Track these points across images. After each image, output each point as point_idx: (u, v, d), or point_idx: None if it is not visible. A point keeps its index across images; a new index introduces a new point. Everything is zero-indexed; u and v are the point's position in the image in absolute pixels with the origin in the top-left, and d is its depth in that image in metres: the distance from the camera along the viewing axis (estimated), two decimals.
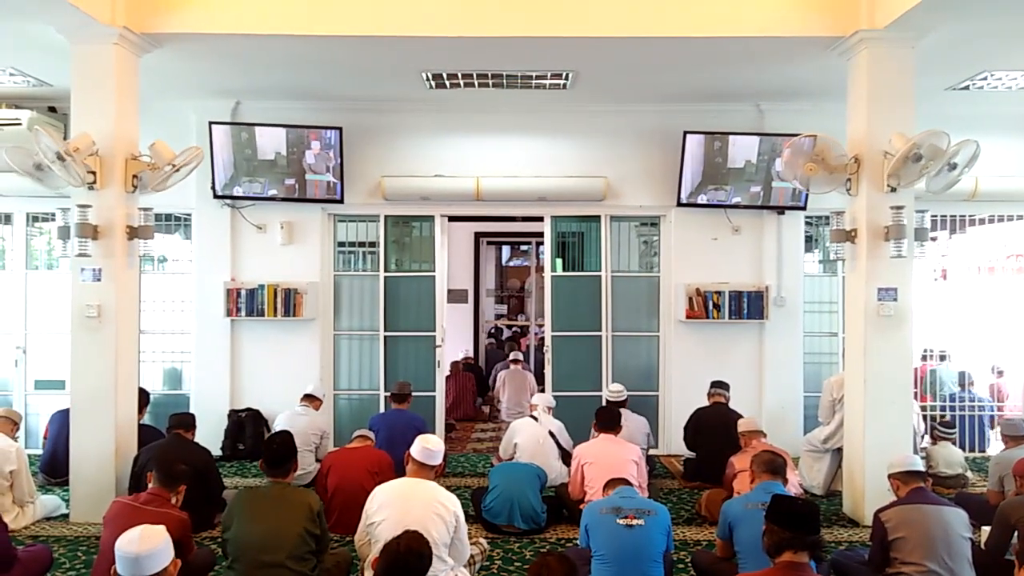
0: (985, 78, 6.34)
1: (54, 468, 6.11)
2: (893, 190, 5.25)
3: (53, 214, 6.77)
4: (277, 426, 6.11)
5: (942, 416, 7.43)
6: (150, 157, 5.34)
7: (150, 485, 4.01)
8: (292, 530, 3.73)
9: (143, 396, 5.90)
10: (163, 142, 5.37)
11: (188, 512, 3.97)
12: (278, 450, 4.08)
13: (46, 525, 5.32)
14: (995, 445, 7.25)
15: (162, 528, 2.96)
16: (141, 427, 5.70)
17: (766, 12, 5.41)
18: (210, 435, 6.74)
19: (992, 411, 7.81)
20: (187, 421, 5.40)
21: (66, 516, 5.43)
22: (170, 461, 4.12)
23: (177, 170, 5.39)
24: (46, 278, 7.65)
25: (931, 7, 4.71)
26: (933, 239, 7.68)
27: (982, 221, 7.88)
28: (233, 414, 7.28)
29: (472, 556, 4.22)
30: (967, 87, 6.55)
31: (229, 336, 7.38)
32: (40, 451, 6.74)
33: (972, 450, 7.47)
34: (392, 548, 3.02)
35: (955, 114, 6.65)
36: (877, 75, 5.32)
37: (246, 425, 7.18)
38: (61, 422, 6.00)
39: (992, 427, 7.66)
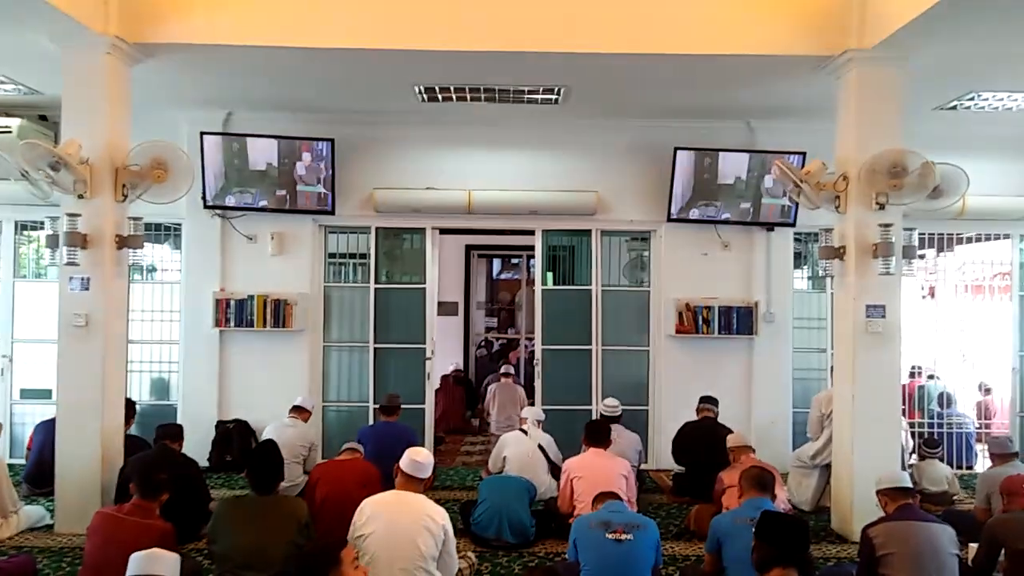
0: (972, 99, 6.40)
1: (39, 478, 6.03)
2: (881, 207, 5.28)
3: (42, 222, 6.76)
4: (265, 437, 6.06)
5: (929, 434, 7.46)
6: (139, 165, 5.32)
7: (132, 496, 3.98)
8: (279, 545, 3.71)
9: (129, 406, 5.86)
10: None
11: (174, 523, 3.94)
12: (264, 471, 4.04)
13: (30, 536, 5.26)
14: (983, 461, 7.27)
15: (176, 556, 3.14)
16: (127, 438, 5.65)
17: (757, 31, 5.46)
18: (197, 446, 6.70)
19: (972, 428, 7.83)
20: (174, 432, 5.37)
21: (51, 527, 5.37)
22: (150, 471, 4.09)
23: (163, 172, 5.33)
24: (34, 287, 7.59)
25: (919, 28, 4.75)
26: (921, 257, 7.74)
27: (969, 239, 7.94)
28: (221, 425, 7.24)
29: (460, 570, 4.20)
30: (955, 107, 6.62)
31: (218, 346, 7.34)
32: (25, 461, 6.67)
33: (959, 467, 7.49)
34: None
35: (943, 134, 6.72)
36: (866, 94, 5.36)
37: (234, 436, 7.14)
38: (46, 432, 5.93)
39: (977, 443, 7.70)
